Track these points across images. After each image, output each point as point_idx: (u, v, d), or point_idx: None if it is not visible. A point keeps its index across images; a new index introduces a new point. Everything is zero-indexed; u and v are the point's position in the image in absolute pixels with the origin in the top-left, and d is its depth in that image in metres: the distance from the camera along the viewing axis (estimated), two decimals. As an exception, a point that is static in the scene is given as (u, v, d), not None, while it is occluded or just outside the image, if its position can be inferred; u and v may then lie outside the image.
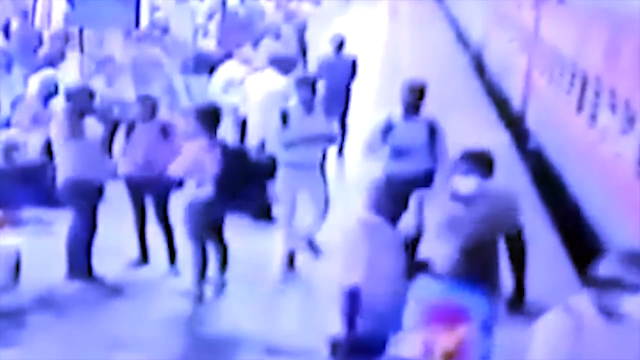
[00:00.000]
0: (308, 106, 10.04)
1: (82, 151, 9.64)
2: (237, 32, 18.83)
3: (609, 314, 5.05)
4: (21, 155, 12.16)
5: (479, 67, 26.33)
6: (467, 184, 6.98)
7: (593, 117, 11.97)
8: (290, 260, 10.31)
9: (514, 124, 18.22)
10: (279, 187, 10.06)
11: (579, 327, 5.06)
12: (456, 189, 7.04)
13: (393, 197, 6.71)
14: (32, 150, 12.16)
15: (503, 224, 7.12)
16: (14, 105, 13.13)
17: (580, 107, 12.73)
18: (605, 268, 5.06)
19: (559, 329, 5.11)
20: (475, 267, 6.65)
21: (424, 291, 6.09)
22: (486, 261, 7.00)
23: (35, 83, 13.08)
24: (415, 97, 9.69)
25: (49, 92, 12.64)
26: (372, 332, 6.39)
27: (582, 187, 12.08)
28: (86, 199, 9.73)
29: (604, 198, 10.98)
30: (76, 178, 9.67)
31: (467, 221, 6.91)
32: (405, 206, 7.08)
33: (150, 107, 10.15)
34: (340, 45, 15.55)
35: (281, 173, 9.94)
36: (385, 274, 6.42)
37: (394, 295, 6.38)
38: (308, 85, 10.09)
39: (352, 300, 6.41)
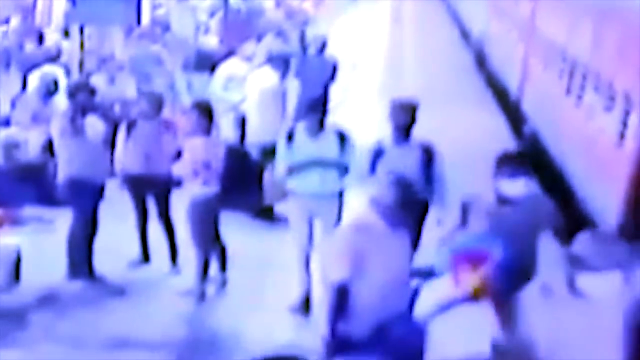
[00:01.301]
0: (314, 129, 9.05)
1: (83, 150, 9.59)
2: (239, 29, 18.81)
3: (575, 290, 5.25)
4: (21, 154, 12.11)
5: (480, 58, 26.64)
6: (516, 186, 7.07)
7: (579, 97, 12.84)
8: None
9: (512, 109, 18.75)
10: (291, 216, 9.38)
11: (550, 304, 5.24)
12: (503, 192, 7.11)
13: (398, 207, 6.55)
14: (32, 149, 12.10)
15: (547, 225, 7.13)
16: (13, 103, 13.08)
17: (569, 90, 13.55)
18: (577, 246, 5.26)
19: (531, 305, 5.28)
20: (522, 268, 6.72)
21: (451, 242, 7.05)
22: (529, 262, 7.02)
23: (34, 80, 13.03)
24: (406, 118, 8.82)
25: (49, 90, 12.59)
26: (359, 330, 6.33)
27: (570, 161, 12.78)
28: (87, 198, 9.67)
29: (589, 168, 11.75)
30: (77, 177, 9.61)
31: (519, 224, 7.00)
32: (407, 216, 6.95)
33: (156, 103, 10.09)
34: (322, 47, 15.14)
35: (292, 201, 9.22)
36: (377, 275, 6.32)
37: (386, 297, 6.33)
38: (316, 107, 9.30)
39: (339, 295, 6.33)
